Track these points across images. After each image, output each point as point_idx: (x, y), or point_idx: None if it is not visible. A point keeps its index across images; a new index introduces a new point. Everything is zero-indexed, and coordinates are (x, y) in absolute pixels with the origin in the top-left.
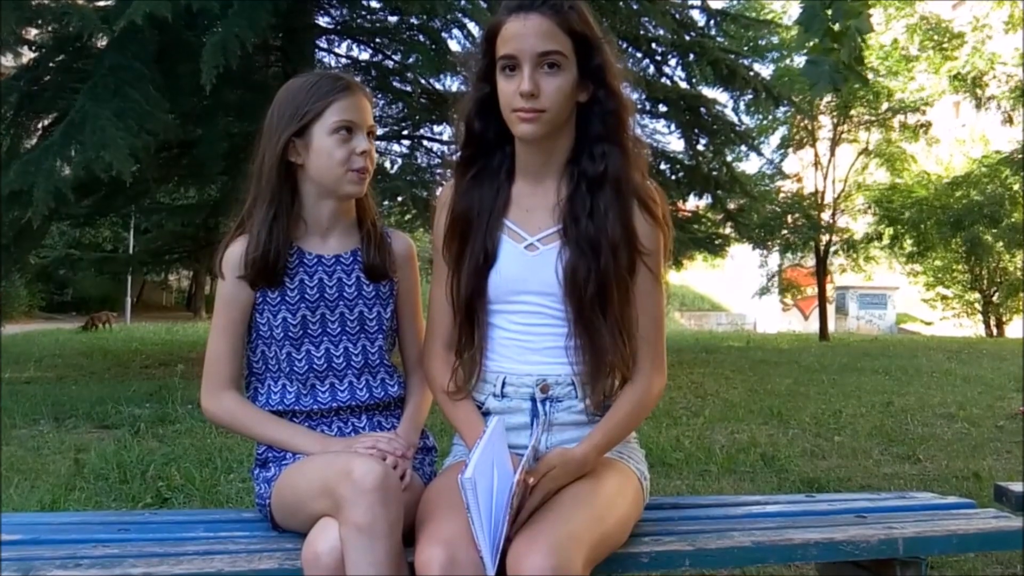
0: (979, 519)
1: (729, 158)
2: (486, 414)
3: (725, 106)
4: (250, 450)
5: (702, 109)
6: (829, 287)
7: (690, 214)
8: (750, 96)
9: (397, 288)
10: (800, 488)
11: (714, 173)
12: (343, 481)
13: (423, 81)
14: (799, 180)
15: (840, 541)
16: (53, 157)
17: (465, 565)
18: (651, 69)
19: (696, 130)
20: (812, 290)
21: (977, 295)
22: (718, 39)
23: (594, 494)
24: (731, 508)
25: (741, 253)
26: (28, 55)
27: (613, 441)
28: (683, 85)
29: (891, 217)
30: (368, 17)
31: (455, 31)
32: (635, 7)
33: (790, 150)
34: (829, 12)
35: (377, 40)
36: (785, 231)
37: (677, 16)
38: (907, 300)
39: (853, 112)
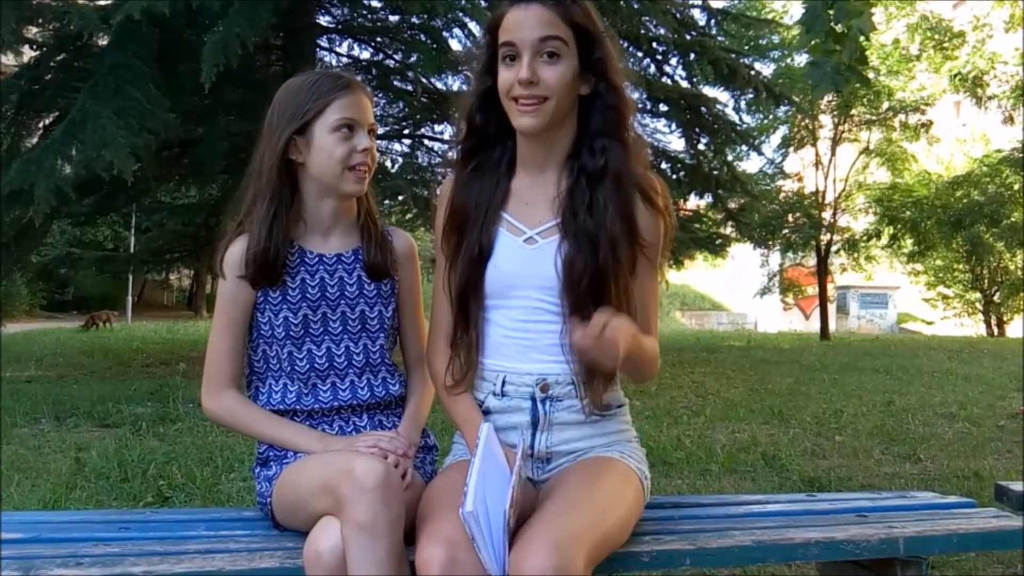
0: (980, 518)
1: (730, 157)
2: (486, 413)
3: (726, 105)
4: (251, 449)
5: (703, 108)
6: (830, 287)
7: (691, 213)
8: (751, 95)
9: (398, 287)
10: (801, 487)
11: (715, 172)
12: (344, 480)
13: (424, 80)
14: (800, 179)
15: (841, 540)
16: (54, 156)
17: (466, 564)
18: (652, 68)
19: (697, 129)
20: (813, 289)
21: (978, 295)
22: (719, 38)
23: (595, 494)
24: (732, 507)
25: (742, 253)
26: (29, 54)
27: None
28: (684, 84)
29: (892, 216)
30: (369, 16)
31: (456, 30)
32: (636, 6)
33: (791, 149)
34: (831, 12)
35: (378, 39)
36: (786, 230)
37: (678, 15)
38: (908, 300)
39: (854, 111)
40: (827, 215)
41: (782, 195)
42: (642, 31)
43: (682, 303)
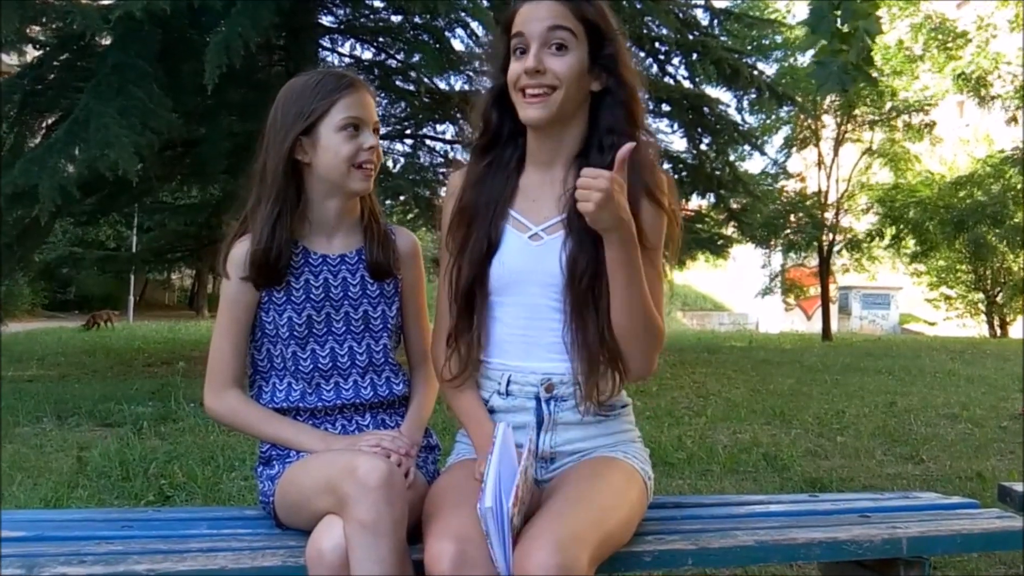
0: (983, 519)
1: (732, 157)
2: (491, 412)
3: (728, 105)
4: (251, 448)
5: (705, 108)
6: (832, 287)
7: (693, 214)
8: (753, 95)
9: (401, 285)
10: (803, 488)
11: (717, 173)
12: (347, 479)
13: (426, 80)
14: (802, 180)
15: (844, 541)
16: (57, 155)
17: (475, 560)
18: (654, 68)
19: (699, 129)
20: (815, 290)
21: (981, 295)
22: (722, 38)
23: (599, 493)
24: (734, 507)
25: (743, 253)
26: (32, 53)
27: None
28: (686, 84)
29: (894, 217)
30: (371, 16)
31: (458, 30)
32: (639, 6)
33: (793, 149)
34: (837, 13)
35: (380, 39)
36: (788, 231)
37: (681, 15)
38: (910, 300)
39: (857, 111)
40: (829, 215)
41: (784, 195)
42: (644, 31)
43: (683, 303)
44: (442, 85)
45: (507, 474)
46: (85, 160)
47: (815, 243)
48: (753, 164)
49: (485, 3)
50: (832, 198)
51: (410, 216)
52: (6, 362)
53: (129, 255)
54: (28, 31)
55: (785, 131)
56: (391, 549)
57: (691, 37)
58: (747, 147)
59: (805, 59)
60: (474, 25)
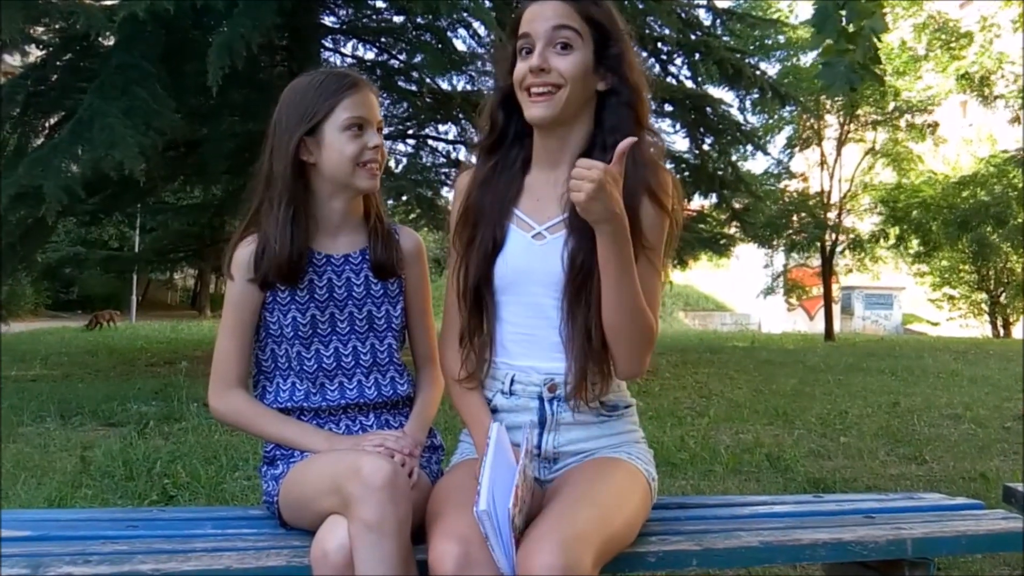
0: (988, 520)
1: (734, 157)
2: (494, 411)
3: (731, 105)
4: (255, 448)
5: (708, 108)
6: (835, 287)
7: (695, 214)
8: (756, 95)
9: (405, 285)
10: (806, 489)
11: (719, 173)
12: (352, 479)
13: (428, 80)
14: (805, 180)
15: (848, 541)
16: (61, 155)
17: (479, 561)
18: (657, 68)
19: (701, 129)
20: (817, 290)
21: (984, 295)
22: (724, 38)
23: (603, 493)
24: (738, 508)
25: (746, 253)
26: (35, 54)
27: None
28: (689, 84)
29: (897, 217)
30: (373, 17)
31: (461, 30)
32: (641, 6)
33: (796, 149)
34: (843, 13)
35: (382, 40)
36: (791, 231)
37: (683, 15)
38: (913, 300)
39: (860, 111)
40: (832, 215)
41: (787, 195)
42: (647, 31)
43: (685, 303)
44: (444, 85)
45: (505, 474)
46: (89, 160)
47: (817, 243)
48: (756, 164)
49: (487, 3)
50: (835, 198)
51: (412, 216)
52: (10, 362)
53: (132, 255)
54: (31, 31)
55: (788, 131)
56: (395, 549)
57: (693, 37)
58: (749, 147)
59: (808, 59)
60: (476, 25)
